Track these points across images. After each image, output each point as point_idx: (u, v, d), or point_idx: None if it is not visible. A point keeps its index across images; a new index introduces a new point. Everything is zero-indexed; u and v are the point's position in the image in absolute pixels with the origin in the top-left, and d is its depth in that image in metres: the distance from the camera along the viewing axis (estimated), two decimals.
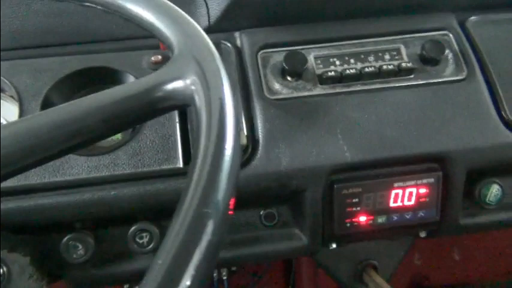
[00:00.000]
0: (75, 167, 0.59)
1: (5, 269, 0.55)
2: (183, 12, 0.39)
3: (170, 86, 0.34)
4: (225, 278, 1.13)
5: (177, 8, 0.40)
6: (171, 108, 0.35)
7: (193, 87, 0.33)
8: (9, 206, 0.57)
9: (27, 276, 0.59)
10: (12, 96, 0.65)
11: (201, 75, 0.34)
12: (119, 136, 0.69)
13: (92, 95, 0.35)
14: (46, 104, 0.62)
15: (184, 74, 0.34)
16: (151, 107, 0.34)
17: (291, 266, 1.18)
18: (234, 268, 1.13)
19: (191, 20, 0.39)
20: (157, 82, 0.34)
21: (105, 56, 0.65)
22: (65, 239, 0.60)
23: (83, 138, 0.34)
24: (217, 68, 0.34)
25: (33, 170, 0.58)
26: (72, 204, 0.58)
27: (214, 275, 1.12)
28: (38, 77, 0.63)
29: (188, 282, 0.25)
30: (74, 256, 0.61)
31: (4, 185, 0.56)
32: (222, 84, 0.33)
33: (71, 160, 0.59)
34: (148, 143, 0.61)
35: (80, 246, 0.61)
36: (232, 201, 0.30)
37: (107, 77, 0.65)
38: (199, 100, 0.32)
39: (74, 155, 0.60)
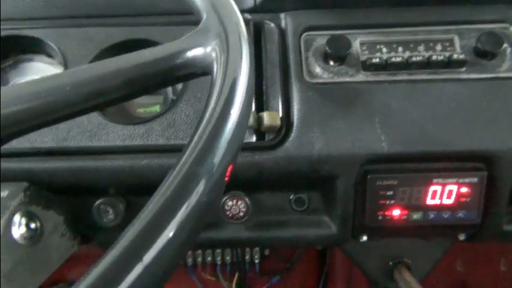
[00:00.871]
0: (111, 134, 0.61)
1: (38, 224, 0.58)
2: None
3: (191, 54, 0.34)
4: (257, 261, 1.13)
5: None
6: (191, 76, 0.35)
7: (213, 56, 0.33)
8: (46, 165, 0.59)
9: (59, 234, 0.62)
10: (60, 63, 0.68)
11: (223, 45, 0.33)
12: (157, 108, 0.70)
13: (116, 57, 0.35)
14: None
15: (206, 43, 0.34)
16: (171, 73, 0.34)
17: (324, 257, 1.16)
18: (266, 253, 1.13)
19: None
20: (179, 49, 0.34)
21: (148, 29, 0.66)
22: (97, 202, 0.62)
23: (105, 99, 0.35)
24: (239, 40, 0.33)
25: (71, 134, 0.60)
26: (104, 170, 0.59)
27: (247, 257, 1.12)
28: (84, 45, 0.66)
29: (171, 234, 0.25)
30: (105, 220, 0.63)
31: (43, 146, 0.59)
32: (241, 56, 0.32)
33: (107, 127, 0.61)
34: (183, 116, 0.61)
35: (111, 211, 0.63)
36: (229, 169, 0.29)
37: None
38: (217, 69, 0.32)
39: (111, 122, 0.61)
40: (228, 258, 1.12)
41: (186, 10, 0.55)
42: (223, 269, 1.15)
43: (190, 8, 0.41)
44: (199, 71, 0.34)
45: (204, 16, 0.37)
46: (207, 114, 0.29)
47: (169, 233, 0.25)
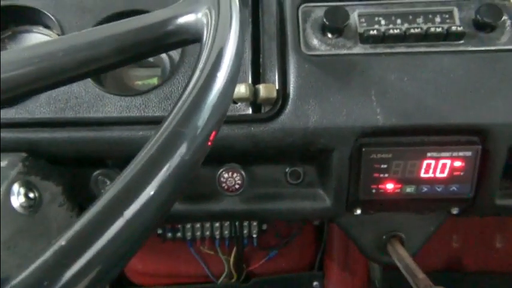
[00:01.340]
0: (108, 105, 0.61)
1: (36, 194, 0.59)
2: None
3: (182, 20, 0.34)
4: (255, 236, 1.14)
5: None
6: (182, 42, 0.35)
7: (204, 22, 0.33)
8: (45, 136, 0.60)
9: (57, 204, 0.63)
10: (58, 34, 0.68)
11: (214, 12, 0.33)
12: (155, 81, 0.70)
13: (108, 24, 0.35)
14: None
15: (197, 10, 0.34)
16: (163, 39, 0.34)
17: (322, 232, 1.17)
18: (264, 227, 1.14)
19: None
20: (170, 15, 0.34)
21: (148, 0, 0.66)
22: (95, 173, 0.63)
23: (97, 65, 0.35)
24: (230, 7, 0.33)
25: (69, 105, 0.61)
26: (102, 141, 0.60)
27: (245, 231, 1.14)
28: (82, 16, 0.65)
29: (152, 191, 0.25)
30: (102, 191, 0.63)
31: (41, 116, 0.60)
32: (231, 23, 0.32)
33: (105, 98, 0.61)
34: (180, 88, 0.62)
35: (108, 182, 0.63)
36: (213, 134, 0.29)
37: None
38: (206, 35, 0.32)
39: (108, 94, 0.62)
40: (226, 232, 1.14)
41: None
42: (222, 243, 1.17)
43: None
44: (191, 37, 0.34)
45: None
46: (194, 79, 0.29)
47: (150, 190, 0.25)
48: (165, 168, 0.26)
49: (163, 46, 0.35)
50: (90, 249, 0.24)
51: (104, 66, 0.35)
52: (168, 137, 0.27)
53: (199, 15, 0.34)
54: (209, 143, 0.29)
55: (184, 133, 0.27)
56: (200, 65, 0.29)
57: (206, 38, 0.32)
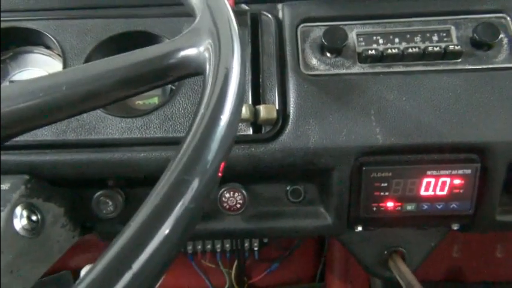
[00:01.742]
0: (110, 126, 0.61)
1: (39, 216, 0.59)
2: None
3: (184, 53, 0.34)
4: (256, 249, 1.15)
5: None
6: (185, 76, 0.35)
7: (206, 56, 0.33)
8: (47, 158, 0.60)
9: (60, 225, 0.63)
10: (59, 55, 0.68)
11: (215, 45, 0.33)
12: (156, 100, 0.71)
13: (111, 57, 0.36)
14: None
15: (199, 43, 0.34)
16: (165, 73, 0.35)
17: (323, 245, 1.18)
18: (265, 240, 1.15)
19: None
20: (172, 48, 0.35)
21: (147, 21, 0.67)
22: (97, 194, 0.63)
23: (100, 99, 0.35)
24: (231, 39, 0.34)
25: (71, 127, 0.61)
26: (103, 162, 0.60)
27: (246, 244, 1.14)
28: (82, 37, 0.66)
29: (158, 242, 0.26)
30: (104, 211, 0.64)
31: (43, 138, 0.60)
32: (233, 56, 0.33)
33: (106, 120, 0.62)
34: (180, 109, 0.62)
35: (110, 203, 0.64)
36: (222, 165, 0.30)
37: (148, 42, 0.66)
38: (209, 69, 0.32)
39: (109, 115, 0.62)
40: (227, 246, 1.14)
41: None
42: (223, 257, 1.17)
43: (185, 5, 0.42)
44: (193, 70, 0.35)
45: (198, 15, 0.37)
46: (197, 121, 0.29)
47: (157, 241, 0.26)
48: (170, 219, 0.26)
49: (165, 79, 0.35)
50: None
51: (107, 100, 0.35)
52: (171, 187, 0.27)
53: (201, 48, 0.34)
54: (219, 174, 0.29)
55: (189, 180, 0.27)
56: (203, 105, 0.30)
57: (209, 71, 0.33)
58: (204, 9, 0.37)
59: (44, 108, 0.35)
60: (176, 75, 0.35)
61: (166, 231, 0.26)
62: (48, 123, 0.35)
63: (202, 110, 0.30)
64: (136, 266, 0.25)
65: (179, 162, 0.28)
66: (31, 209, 0.59)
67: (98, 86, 0.35)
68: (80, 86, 0.35)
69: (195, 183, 0.27)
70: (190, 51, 0.34)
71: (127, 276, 0.24)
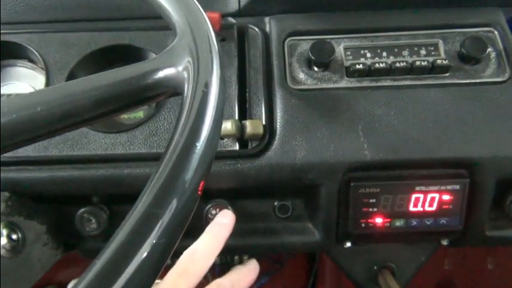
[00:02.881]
0: (93, 142, 0.60)
1: (19, 234, 0.57)
2: None
3: (163, 73, 0.33)
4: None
5: None
6: (162, 95, 0.34)
7: (185, 75, 0.33)
8: (28, 175, 0.59)
9: (42, 243, 0.61)
10: (43, 68, 0.67)
11: (194, 65, 0.33)
12: (141, 114, 0.69)
13: (87, 77, 0.35)
14: (71, 78, 0.63)
15: (178, 62, 0.33)
16: (142, 93, 0.34)
17: (314, 258, 1.16)
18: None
19: (199, 7, 0.38)
20: (150, 68, 0.34)
21: (132, 34, 0.66)
22: (80, 211, 0.62)
23: (76, 119, 0.34)
24: (210, 59, 0.33)
25: (53, 143, 0.60)
26: (86, 179, 0.59)
27: (236, 257, 1.12)
28: (66, 51, 0.65)
29: (122, 283, 0.24)
30: (87, 229, 0.62)
31: (24, 154, 0.59)
32: (211, 76, 0.32)
33: (89, 135, 0.61)
34: (165, 124, 0.61)
35: (94, 220, 0.62)
36: (200, 186, 0.29)
37: (132, 55, 0.65)
38: (187, 89, 0.31)
39: (93, 131, 0.61)
40: (217, 259, 1.12)
41: None
42: (212, 270, 1.15)
43: (167, 22, 0.41)
44: (171, 90, 0.34)
45: (178, 34, 0.36)
46: (171, 147, 0.28)
47: (120, 283, 0.25)
48: (137, 257, 0.25)
49: (143, 99, 0.34)
50: None
51: (83, 120, 0.34)
52: (138, 221, 0.26)
53: (180, 68, 0.33)
54: (198, 194, 0.29)
55: (157, 213, 0.26)
56: (178, 130, 0.29)
57: (187, 91, 0.32)
58: (185, 27, 0.36)
59: (17, 129, 0.34)
60: (155, 95, 0.34)
61: (134, 269, 0.25)
62: (21, 145, 0.34)
63: (176, 137, 0.29)
64: None
65: (149, 194, 0.27)
66: (11, 227, 0.57)
67: (73, 106, 0.33)
68: (55, 106, 0.34)
69: (166, 218, 0.26)
70: (168, 71, 0.33)
71: None
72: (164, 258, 0.27)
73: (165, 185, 0.27)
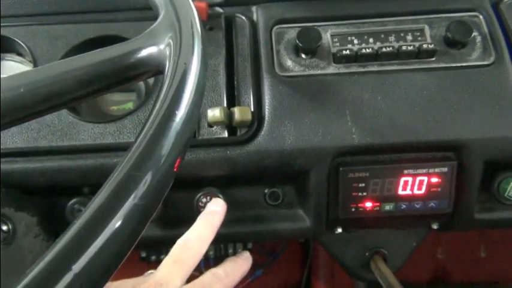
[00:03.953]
0: (82, 132, 0.60)
1: (10, 226, 0.57)
2: None
3: (145, 52, 0.34)
4: None
5: None
6: (145, 74, 0.35)
7: (167, 53, 0.33)
8: (17, 166, 0.59)
9: (32, 235, 0.61)
10: (31, 61, 0.67)
11: (176, 42, 0.33)
12: (130, 105, 0.69)
13: (70, 58, 0.35)
14: None
15: (160, 41, 0.34)
16: (125, 72, 0.34)
17: (308, 250, 1.17)
18: (249, 246, 1.13)
19: None
20: (133, 48, 0.34)
21: (119, 25, 0.66)
22: (71, 202, 0.62)
23: (60, 99, 0.35)
24: (191, 36, 0.33)
25: (42, 134, 0.60)
26: (76, 169, 0.59)
27: (230, 250, 1.13)
28: (54, 43, 0.65)
29: (102, 242, 0.25)
30: None
31: (13, 146, 0.59)
32: (193, 51, 0.32)
33: (78, 126, 0.61)
34: None
35: None
36: (177, 162, 0.29)
37: None
38: (168, 66, 0.32)
39: (82, 121, 0.61)
40: (211, 253, 1.12)
41: None
42: (207, 264, 1.15)
43: (151, 5, 0.41)
44: (154, 68, 0.34)
45: (161, 14, 0.37)
46: (152, 117, 0.29)
47: (101, 241, 0.25)
48: (116, 216, 0.26)
49: (126, 79, 0.34)
50: None
51: (68, 100, 0.34)
52: (120, 181, 0.26)
53: (162, 46, 0.34)
54: (175, 169, 0.29)
55: (138, 176, 0.26)
56: (158, 102, 0.29)
57: (168, 70, 0.32)
58: (167, 6, 0.36)
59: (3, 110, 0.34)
60: (138, 74, 0.34)
61: (112, 230, 0.25)
62: (6, 126, 0.34)
63: (157, 106, 0.29)
64: (77, 266, 0.24)
65: (130, 157, 0.27)
66: (1, 219, 0.57)
67: (57, 86, 0.34)
68: (38, 87, 0.34)
69: (146, 180, 0.27)
70: (151, 50, 0.34)
71: (67, 278, 0.23)
72: (145, 221, 0.27)
73: (145, 150, 0.28)
